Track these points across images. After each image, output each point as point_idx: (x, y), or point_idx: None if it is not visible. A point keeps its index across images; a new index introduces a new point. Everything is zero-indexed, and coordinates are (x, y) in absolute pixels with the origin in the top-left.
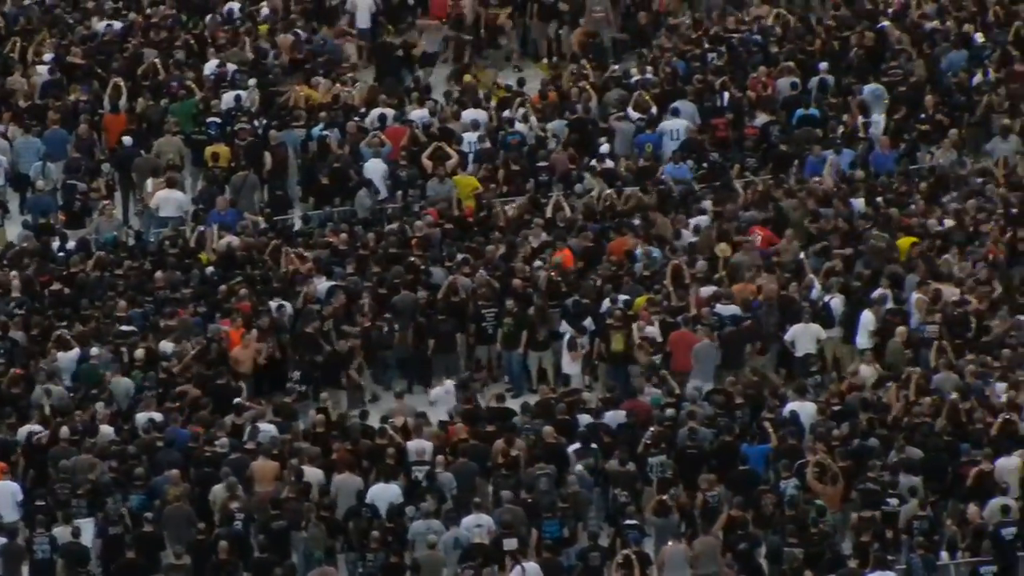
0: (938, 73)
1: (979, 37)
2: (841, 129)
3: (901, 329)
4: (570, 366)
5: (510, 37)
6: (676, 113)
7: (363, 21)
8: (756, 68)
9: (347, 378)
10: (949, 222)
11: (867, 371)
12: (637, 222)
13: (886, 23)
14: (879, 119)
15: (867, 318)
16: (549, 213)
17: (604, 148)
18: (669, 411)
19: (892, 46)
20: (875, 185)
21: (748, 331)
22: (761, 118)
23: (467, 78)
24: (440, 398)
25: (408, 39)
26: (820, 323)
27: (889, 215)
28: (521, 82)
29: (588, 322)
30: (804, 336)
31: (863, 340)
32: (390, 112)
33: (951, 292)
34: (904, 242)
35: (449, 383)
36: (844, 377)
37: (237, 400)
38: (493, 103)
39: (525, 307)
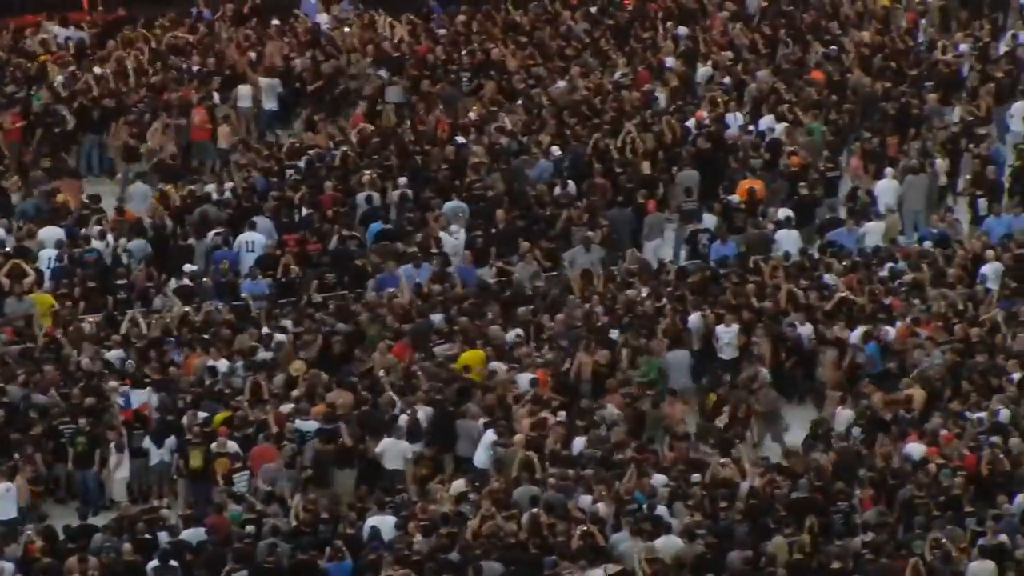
0: (518, 186)
1: (556, 149)
2: (418, 244)
3: (519, 437)
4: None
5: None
6: (253, 227)
7: None
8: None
9: None
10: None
11: (455, 483)
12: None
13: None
14: (460, 233)
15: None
16: (124, 330)
17: (187, 267)
18: (249, 527)
19: (470, 160)
20: (450, 298)
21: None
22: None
23: (60, 197)
24: None
25: None
26: (409, 438)
27: (463, 327)
28: (96, 198)
29: (171, 440)
30: (392, 451)
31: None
32: None
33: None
34: (473, 355)
35: None
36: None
37: None
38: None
39: (98, 425)
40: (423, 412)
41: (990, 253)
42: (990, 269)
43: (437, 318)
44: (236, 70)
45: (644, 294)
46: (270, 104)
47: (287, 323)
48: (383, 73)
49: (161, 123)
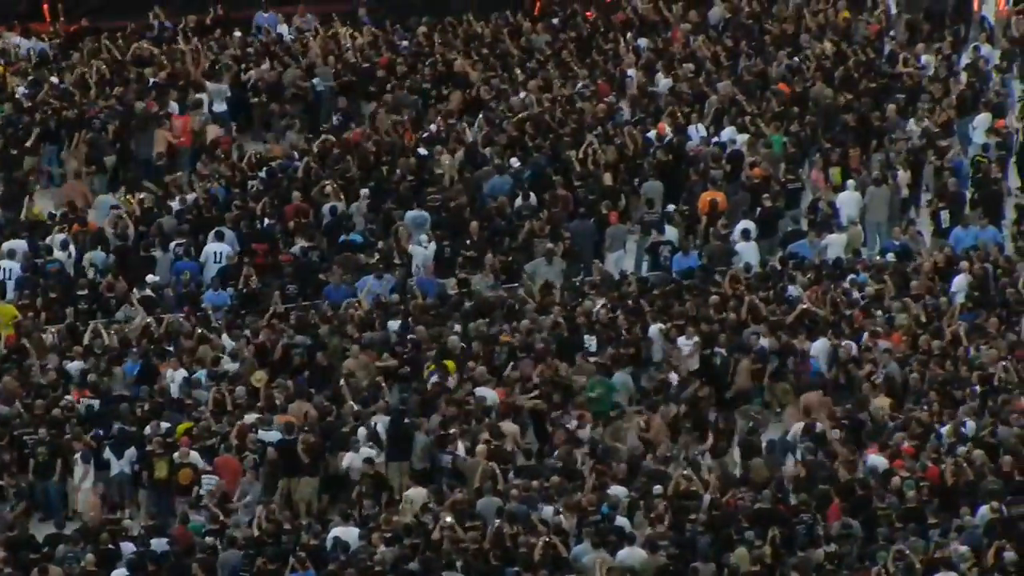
0: (480, 198)
1: (515, 161)
2: (378, 255)
3: (481, 448)
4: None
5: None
6: (220, 237)
7: None
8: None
9: None
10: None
11: (417, 494)
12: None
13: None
14: (428, 244)
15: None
16: (87, 340)
17: (150, 278)
18: (209, 539)
19: (433, 171)
20: (411, 309)
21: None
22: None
23: (36, 209)
24: None
25: None
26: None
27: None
28: (73, 207)
29: (131, 451)
30: (358, 464)
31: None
32: None
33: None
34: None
35: None
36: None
37: None
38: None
39: (60, 435)
40: (382, 424)
41: (963, 264)
42: (962, 280)
43: (394, 325)
44: (190, 77)
45: (599, 306)
46: (218, 107)
47: (247, 334)
48: (316, 81)
49: (162, 132)
